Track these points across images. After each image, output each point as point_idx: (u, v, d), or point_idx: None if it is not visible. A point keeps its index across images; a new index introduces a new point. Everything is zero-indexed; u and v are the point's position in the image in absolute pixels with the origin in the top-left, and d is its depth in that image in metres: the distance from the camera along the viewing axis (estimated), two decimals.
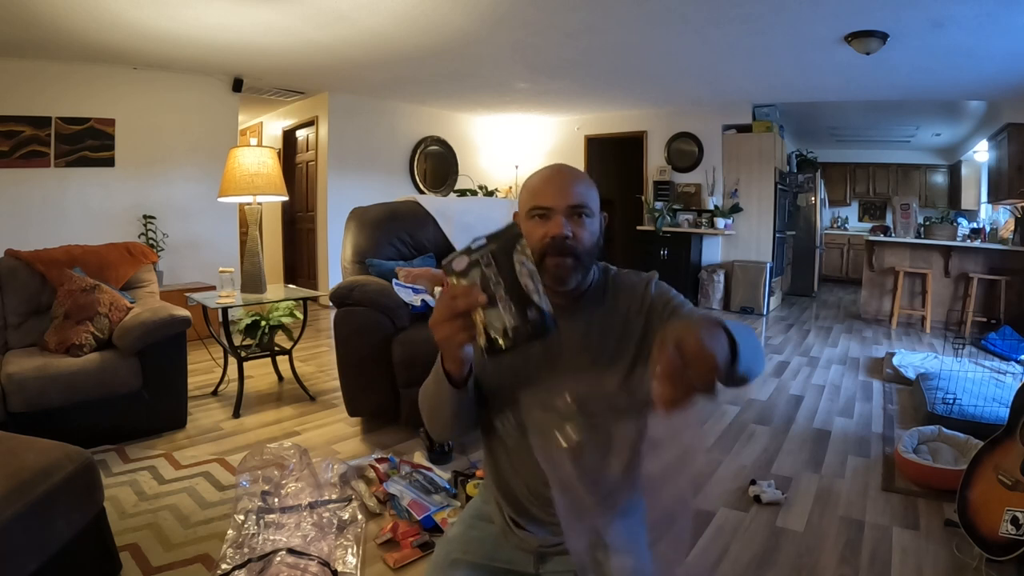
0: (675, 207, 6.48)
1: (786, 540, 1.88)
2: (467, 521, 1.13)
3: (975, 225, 6.28)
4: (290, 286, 3.74)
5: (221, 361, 3.36)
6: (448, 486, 2.11)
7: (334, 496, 2.01)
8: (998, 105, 5.49)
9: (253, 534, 1.74)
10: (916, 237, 5.74)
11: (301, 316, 3.27)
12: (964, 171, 7.61)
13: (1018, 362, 4.02)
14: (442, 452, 2.41)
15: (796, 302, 7.17)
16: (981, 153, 6.80)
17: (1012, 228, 5.35)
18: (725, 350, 0.68)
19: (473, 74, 5.11)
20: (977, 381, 3.03)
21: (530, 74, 5.09)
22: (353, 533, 1.82)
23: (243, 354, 3.10)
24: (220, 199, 3.14)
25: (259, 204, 3.18)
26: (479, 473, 2.15)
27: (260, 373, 3.63)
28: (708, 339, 0.64)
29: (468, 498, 2.02)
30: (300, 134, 6.59)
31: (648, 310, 0.99)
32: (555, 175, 0.97)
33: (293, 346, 3.30)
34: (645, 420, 0.72)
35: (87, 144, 4.50)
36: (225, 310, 3.00)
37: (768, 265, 6.11)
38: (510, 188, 7.60)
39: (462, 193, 6.83)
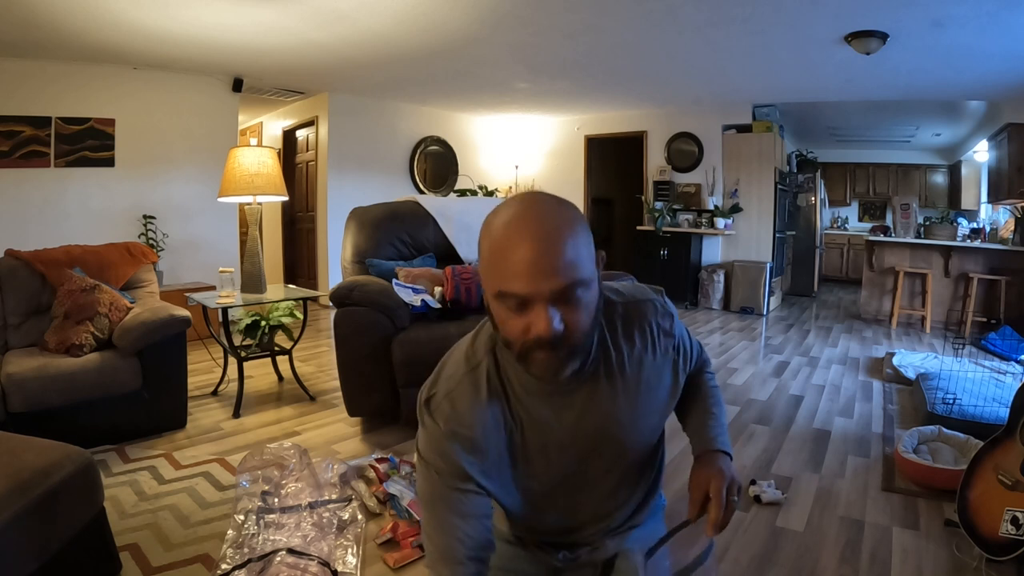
0: (675, 207, 6.48)
1: (786, 540, 1.88)
2: None
3: (975, 225, 6.28)
4: (290, 286, 3.74)
5: (221, 361, 3.36)
6: None
7: (334, 496, 2.01)
8: (998, 105, 5.48)
9: (253, 534, 1.74)
10: (916, 237, 5.74)
11: (301, 316, 3.27)
12: (964, 171, 7.61)
13: (1018, 362, 4.01)
14: None
15: (796, 302, 7.17)
16: (981, 153, 6.80)
17: (1012, 228, 5.35)
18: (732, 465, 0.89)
19: (473, 74, 5.11)
20: (977, 381, 3.03)
21: (530, 74, 5.09)
22: (353, 533, 1.82)
23: (243, 354, 3.10)
24: (220, 199, 3.14)
25: (259, 204, 3.18)
26: None
27: (260, 373, 3.63)
28: (728, 469, 0.86)
29: None
30: (300, 134, 6.59)
31: (672, 359, 0.89)
32: (527, 240, 0.65)
33: (293, 346, 3.30)
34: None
35: (87, 144, 4.50)
36: (225, 310, 3.00)
37: (768, 265, 6.11)
38: (510, 188, 7.61)
39: (462, 193, 6.84)
